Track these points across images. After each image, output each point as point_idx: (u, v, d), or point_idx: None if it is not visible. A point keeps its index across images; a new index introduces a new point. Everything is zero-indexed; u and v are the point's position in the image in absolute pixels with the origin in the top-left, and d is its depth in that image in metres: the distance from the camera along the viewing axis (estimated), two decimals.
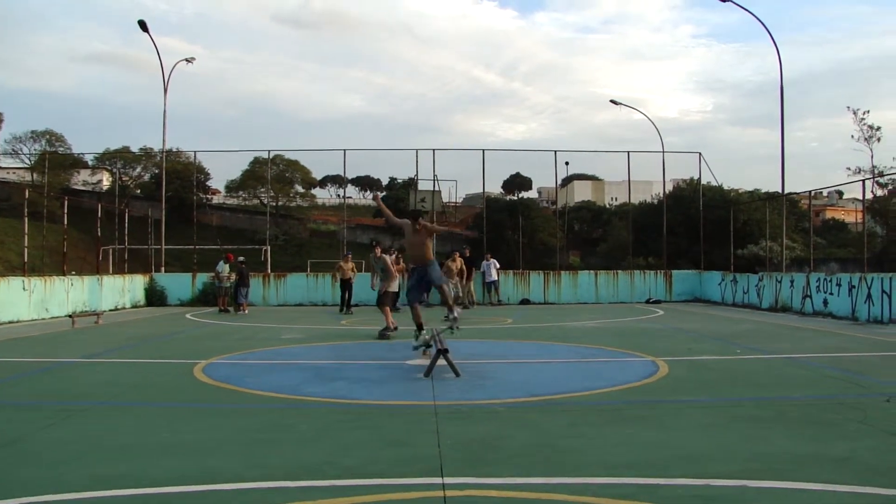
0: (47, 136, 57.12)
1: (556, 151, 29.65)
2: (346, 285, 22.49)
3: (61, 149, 56.53)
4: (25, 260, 21.87)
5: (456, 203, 67.44)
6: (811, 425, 6.22)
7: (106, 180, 60.44)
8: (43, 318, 18.91)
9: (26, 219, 21.65)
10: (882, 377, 8.91)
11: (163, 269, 28.46)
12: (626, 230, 30.67)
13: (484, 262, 25.80)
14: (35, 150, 56.49)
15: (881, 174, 37.49)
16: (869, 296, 17.74)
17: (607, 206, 69.28)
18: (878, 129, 40.04)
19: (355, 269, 24.05)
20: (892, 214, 35.84)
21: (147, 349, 12.59)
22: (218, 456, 5.32)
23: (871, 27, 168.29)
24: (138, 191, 59.48)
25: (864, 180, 22.65)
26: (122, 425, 6.43)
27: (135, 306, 24.66)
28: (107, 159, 58.10)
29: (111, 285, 23.43)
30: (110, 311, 22.01)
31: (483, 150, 29.52)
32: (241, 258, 23.32)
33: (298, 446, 5.56)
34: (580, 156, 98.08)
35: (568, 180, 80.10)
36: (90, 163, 58.27)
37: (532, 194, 78.77)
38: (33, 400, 7.71)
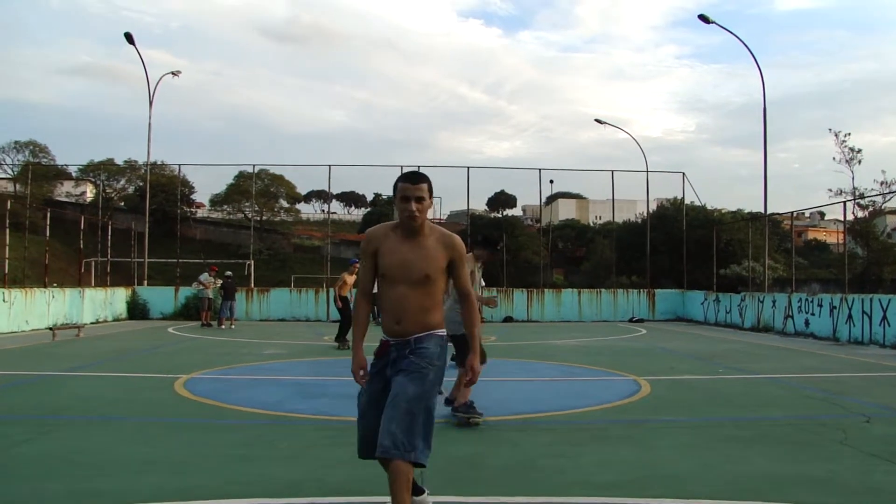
0: (31, 147, 56.76)
1: (540, 170, 29.84)
2: (348, 307, 16.34)
3: (45, 160, 56.16)
4: (6, 271, 21.68)
5: (440, 220, 67.44)
6: (791, 446, 6.25)
7: (90, 192, 60.03)
8: (23, 331, 18.72)
9: (7, 230, 21.49)
10: (862, 398, 8.97)
11: (145, 282, 28.30)
12: (609, 249, 30.83)
13: None
14: (18, 160, 56.11)
15: (862, 196, 37.93)
16: (850, 316, 17.89)
17: (591, 224, 69.52)
18: (859, 151, 40.51)
19: None
20: (873, 236, 36.19)
21: (128, 363, 12.49)
22: (198, 472, 5.29)
23: (852, 51, 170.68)
24: (122, 203, 59.11)
25: (845, 202, 22.97)
26: (102, 440, 6.37)
27: (117, 319, 24.48)
28: (91, 171, 57.70)
29: (93, 298, 23.25)
30: (92, 324, 21.82)
31: (468, 168, 29.68)
32: (229, 273, 23.21)
33: (279, 463, 5.53)
34: (565, 174, 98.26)
35: (552, 198, 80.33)
36: (74, 174, 57.91)
37: (516, 212, 78.91)
38: (11, 414, 7.63)
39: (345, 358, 13.12)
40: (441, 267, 3.80)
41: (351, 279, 16.79)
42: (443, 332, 3.90)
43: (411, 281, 3.75)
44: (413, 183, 3.75)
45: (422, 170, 28.95)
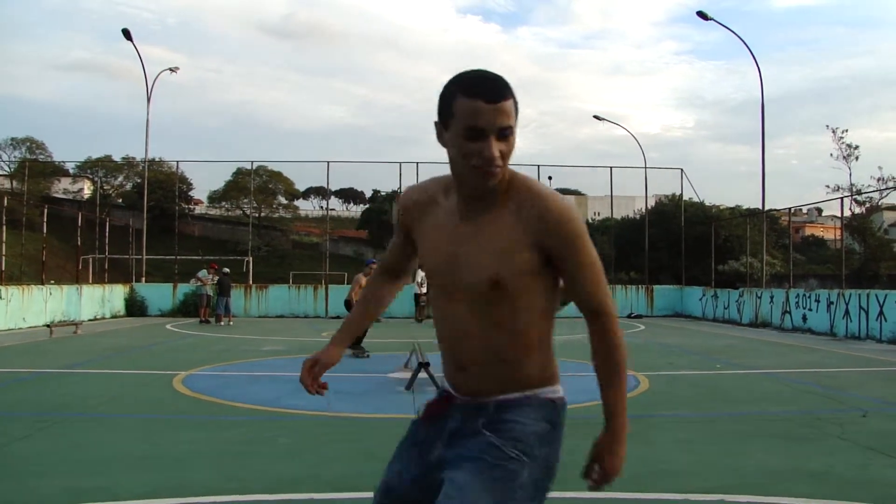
0: (28, 144, 56.77)
1: (538, 166, 29.78)
2: None
3: (42, 156, 56.20)
4: (3, 268, 21.63)
5: None
6: (789, 440, 6.26)
7: (87, 189, 60.01)
8: (20, 328, 18.69)
9: (4, 227, 21.45)
10: (859, 392, 8.99)
11: (143, 279, 28.26)
12: (608, 245, 30.75)
13: None
14: (14, 157, 56.17)
15: (859, 192, 38.10)
16: (847, 312, 17.91)
17: (590, 221, 69.45)
18: (857, 147, 40.76)
19: None
20: (870, 232, 36.23)
21: (126, 360, 12.47)
22: (195, 469, 5.28)
23: (849, 48, 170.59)
24: (120, 200, 59.09)
25: (842, 198, 23.02)
26: (99, 437, 6.37)
27: (114, 316, 24.45)
28: (88, 168, 57.71)
29: (90, 295, 23.22)
30: (89, 321, 21.79)
31: None
32: (226, 269, 23.17)
33: (277, 459, 5.53)
34: (563, 170, 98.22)
35: None
36: (71, 171, 57.89)
37: None
38: (8, 411, 7.61)
39: (344, 354, 13.07)
40: (527, 261, 1.93)
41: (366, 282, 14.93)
42: (554, 391, 2.13)
43: (473, 291, 1.96)
44: (493, 99, 1.82)
45: (420, 166, 28.92)
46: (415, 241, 2.16)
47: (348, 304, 14.45)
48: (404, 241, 2.25)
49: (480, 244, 1.94)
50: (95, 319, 22.74)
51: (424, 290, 22.89)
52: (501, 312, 1.96)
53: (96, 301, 23.50)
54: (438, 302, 2.08)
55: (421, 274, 20.22)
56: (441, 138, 1.92)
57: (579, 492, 4.63)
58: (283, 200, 64.86)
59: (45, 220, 24.11)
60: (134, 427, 6.89)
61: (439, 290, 2.06)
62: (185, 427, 6.87)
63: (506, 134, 1.83)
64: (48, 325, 17.74)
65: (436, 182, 2.12)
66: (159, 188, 47.70)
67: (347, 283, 29.82)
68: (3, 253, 21.99)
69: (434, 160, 28.77)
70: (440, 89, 1.89)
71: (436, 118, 1.91)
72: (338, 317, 24.74)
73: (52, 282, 22.71)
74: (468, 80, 1.85)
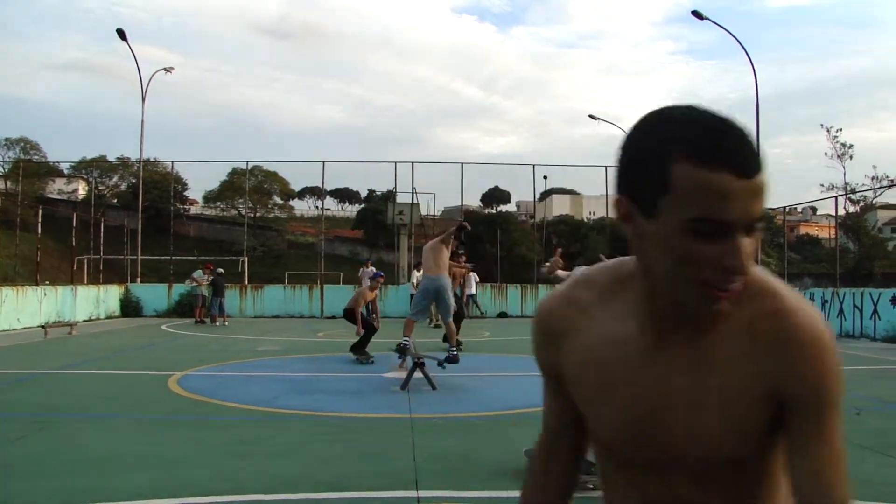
0: (21, 144, 56.57)
1: (534, 165, 29.94)
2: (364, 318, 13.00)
3: (36, 157, 55.99)
4: None
5: (434, 216, 67.50)
6: None
7: (82, 189, 59.79)
8: (14, 329, 18.63)
9: None
10: (852, 390, 9.01)
11: (138, 279, 28.21)
12: (604, 244, 30.79)
13: None
14: (8, 157, 55.97)
15: (853, 191, 38.18)
16: (841, 310, 17.97)
17: (585, 220, 69.56)
18: (851, 146, 40.87)
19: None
20: (864, 231, 36.36)
21: (121, 360, 12.46)
22: (191, 469, 5.28)
23: (844, 47, 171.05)
24: (115, 200, 58.92)
25: (836, 197, 23.13)
26: (95, 438, 6.36)
27: (109, 317, 24.40)
28: (83, 168, 57.52)
29: (85, 295, 23.17)
30: (84, 321, 21.75)
31: (461, 164, 29.67)
32: (220, 269, 23.15)
33: (273, 459, 5.53)
34: (559, 170, 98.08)
35: (546, 194, 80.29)
36: (66, 171, 57.70)
37: (510, 208, 78.89)
38: (3, 412, 7.59)
39: (339, 354, 13.09)
40: (770, 418, 1.12)
41: (371, 296, 13.26)
42: None
43: (689, 472, 1.16)
44: (749, 172, 1.00)
45: (416, 166, 28.96)
46: (563, 384, 1.27)
47: (349, 314, 12.75)
48: (561, 400, 1.31)
49: (697, 392, 1.13)
50: (90, 320, 22.70)
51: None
52: (731, 499, 1.18)
53: (91, 302, 23.45)
54: (615, 476, 1.26)
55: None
56: (631, 221, 1.10)
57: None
58: (278, 200, 64.77)
59: (40, 220, 24.08)
60: (129, 427, 6.88)
61: (619, 462, 1.24)
62: (180, 427, 6.87)
63: (755, 227, 1.05)
64: (43, 326, 17.69)
65: (587, 281, 1.26)
66: (154, 188, 47.54)
67: (343, 284, 29.85)
68: None
69: (428, 159, 28.78)
70: (629, 134, 1.13)
71: (615, 188, 1.12)
72: (333, 317, 24.74)
73: (47, 282, 22.67)
74: (700, 131, 1.03)
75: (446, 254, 10.91)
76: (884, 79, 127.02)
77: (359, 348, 12.31)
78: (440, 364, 9.09)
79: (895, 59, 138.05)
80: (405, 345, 9.88)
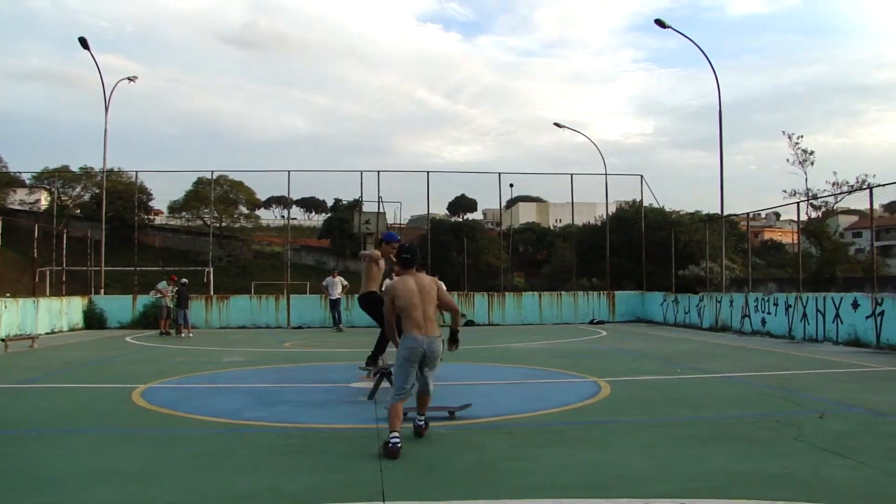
0: None
1: (500, 174, 29.95)
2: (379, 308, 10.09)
3: None
4: None
5: (401, 225, 67.40)
6: (748, 443, 6.35)
7: (44, 200, 58.92)
8: None
9: None
10: (816, 394, 9.15)
11: (102, 291, 27.80)
12: (570, 252, 30.98)
13: None
14: None
15: (815, 197, 38.87)
16: (804, 315, 18.23)
17: (552, 227, 69.97)
18: (812, 153, 41.61)
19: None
20: (826, 236, 36.93)
21: (84, 374, 12.25)
22: (155, 483, 5.20)
23: (803, 55, 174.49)
24: (78, 211, 58.11)
25: (798, 202, 23.41)
26: (57, 453, 6.23)
27: (72, 329, 24.00)
28: (45, 178, 56.65)
29: (48, 308, 22.77)
30: (46, 334, 21.36)
31: (428, 172, 29.57)
32: (184, 280, 22.89)
33: (238, 473, 5.47)
34: (525, 178, 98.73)
35: (513, 202, 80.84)
36: (28, 182, 56.83)
37: (477, 216, 79.32)
38: None
39: (306, 364, 12.97)
40: None
41: (383, 266, 10.25)
42: None
43: None
44: None
45: (382, 175, 29.12)
46: None
47: (367, 302, 10.11)
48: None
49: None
50: (53, 333, 22.30)
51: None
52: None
53: (54, 314, 23.04)
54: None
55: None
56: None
57: (537, 499, 4.65)
58: (244, 210, 64.37)
59: (0, 231, 23.61)
60: (91, 442, 6.76)
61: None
62: (143, 441, 6.76)
63: None
64: (3, 340, 17.34)
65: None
66: (118, 199, 46.94)
67: (311, 293, 29.64)
68: None
69: (394, 168, 28.77)
70: None
71: None
72: (300, 327, 24.61)
73: (8, 295, 22.21)
74: None
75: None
76: (841, 87, 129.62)
77: (373, 357, 9.98)
78: (451, 415, 8.16)
79: (853, 66, 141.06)
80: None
